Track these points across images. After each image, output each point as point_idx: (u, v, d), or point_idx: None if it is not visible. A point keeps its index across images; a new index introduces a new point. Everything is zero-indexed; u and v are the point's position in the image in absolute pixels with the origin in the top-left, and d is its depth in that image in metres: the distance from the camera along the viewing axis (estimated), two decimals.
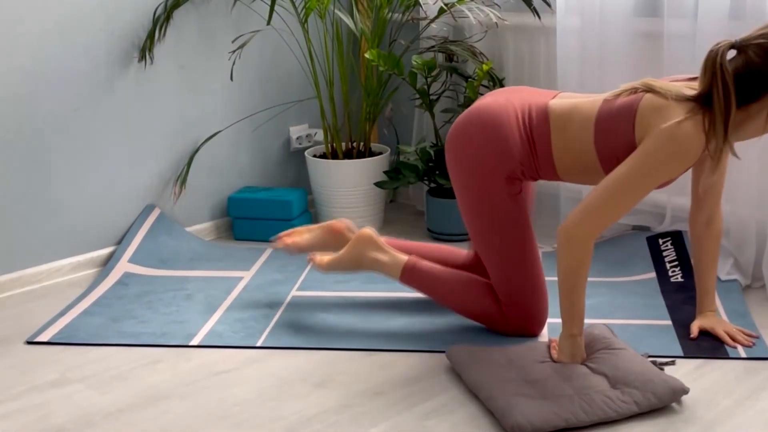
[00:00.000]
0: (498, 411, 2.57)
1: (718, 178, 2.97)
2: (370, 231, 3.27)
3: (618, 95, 2.80)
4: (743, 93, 2.62)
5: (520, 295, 3.05)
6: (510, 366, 2.80)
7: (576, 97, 2.95)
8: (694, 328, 3.07)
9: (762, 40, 2.59)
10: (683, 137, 2.60)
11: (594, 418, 2.53)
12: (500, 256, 3.04)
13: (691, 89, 2.71)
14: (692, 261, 3.13)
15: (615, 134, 2.76)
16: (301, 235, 3.47)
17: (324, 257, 3.32)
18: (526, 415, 2.50)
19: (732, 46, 2.63)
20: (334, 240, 3.42)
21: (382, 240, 3.29)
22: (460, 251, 3.37)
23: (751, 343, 2.98)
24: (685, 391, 2.60)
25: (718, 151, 2.67)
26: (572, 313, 2.75)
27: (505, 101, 2.99)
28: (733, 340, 2.99)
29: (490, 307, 3.10)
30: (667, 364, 2.80)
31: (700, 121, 2.62)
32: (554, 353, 2.83)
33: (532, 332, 3.09)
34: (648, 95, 2.73)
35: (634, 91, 2.78)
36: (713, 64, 2.61)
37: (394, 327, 3.21)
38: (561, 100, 2.94)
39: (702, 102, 2.64)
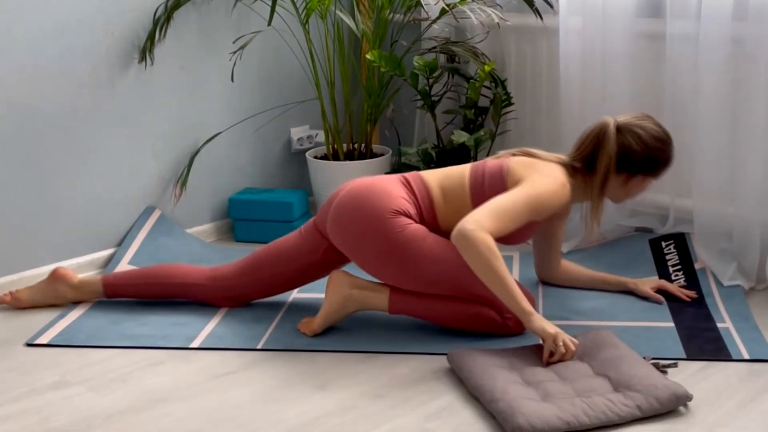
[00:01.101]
0: (500, 414, 2.56)
1: (558, 239, 3.45)
2: (342, 271, 3.20)
3: (485, 161, 3.19)
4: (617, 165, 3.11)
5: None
6: (511, 368, 2.79)
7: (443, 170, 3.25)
8: (651, 293, 3.36)
9: (640, 130, 3.09)
10: (561, 182, 3.05)
11: (596, 421, 2.52)
12: (458, 278, 3.05)
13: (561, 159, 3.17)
14: (578, 284, 3.49)
15: (490, 190, 3.09)
16: (22, 292, 3.47)
17: (311, 323, 3.19)
18: (527, 417, 2.49)
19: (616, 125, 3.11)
20: (59, 287, 3.45)
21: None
22: None
23: (692, 297, 3.35)
24: (689, 397, 2.59)
25: (594, 209, 3.15)
26: (510, 293, 2.88)
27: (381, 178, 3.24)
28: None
29: (487, 310, 3.08)
30: (670, 366, 2.79)
31: (570, 179, 3.10)
32: (545, 356, 2.84)
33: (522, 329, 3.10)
34: (516, 157, 3.15)
35: (509, 155, 3.18)
36: (603, 134, 3.10)
37: (396, 329, 3.19)
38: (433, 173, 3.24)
39: (583, 163, 3.13)
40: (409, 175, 3.23)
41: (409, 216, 3.10)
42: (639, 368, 2.69)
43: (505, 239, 3.10)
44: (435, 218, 3.17)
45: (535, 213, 2.99)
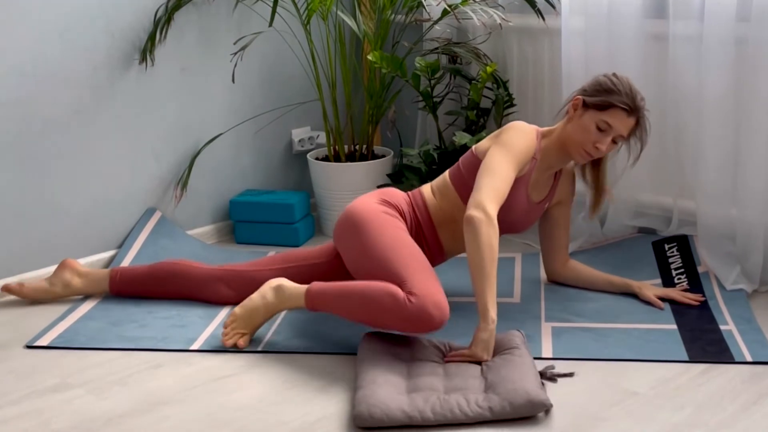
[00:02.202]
0: (355, 401, 2.62)
1: (564, 231, 3.47)
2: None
3: None
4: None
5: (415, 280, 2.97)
6: (404, 359, 2.86)
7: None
8: (653, 298, 3.33)
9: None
10: (521, 126, 3.18)
11: (440, 418, 2.55)
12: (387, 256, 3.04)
13: None
14: (583, 285, 3.49)
15: (467, 172, 3.20)
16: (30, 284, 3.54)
17: (243, 339, 3.11)
18: (369, 407, 2.55)
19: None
20: (65, 274, 3.51)
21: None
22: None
23: (700, 300, 3.33)
24: (545, 405, 2.57)
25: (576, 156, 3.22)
26: (494, 293, 2.90)
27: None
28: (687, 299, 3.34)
29: (392, 285, 2.94)
30: (563, 376, 2.79)
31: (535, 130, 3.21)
32: (458, 359, 2.88)
33: (431, 315, 2.87)
34: None
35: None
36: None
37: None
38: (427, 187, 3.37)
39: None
40: (413, 191, 3.37)
41: (398, 210, 3.22)
42: (516, 372, 2.69)
43: (509, 227, 3.22)
44: (429, 218, 3.28)
45: (515, 161, 3.10)
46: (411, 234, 3.22)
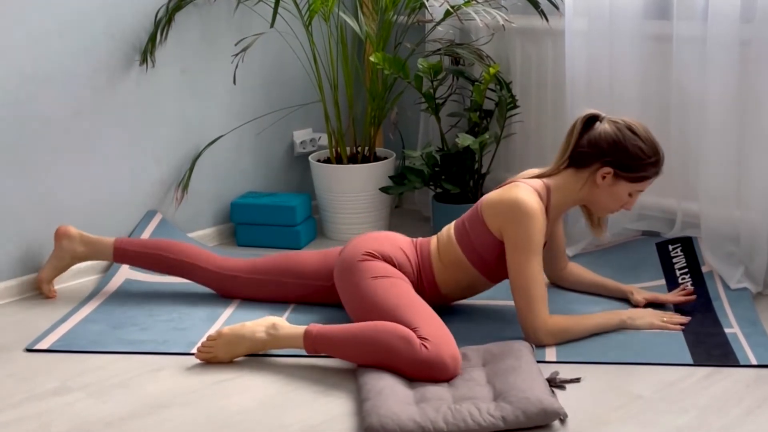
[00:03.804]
0: (363, 413, 2.60)
1: (559, 240, 3.43)
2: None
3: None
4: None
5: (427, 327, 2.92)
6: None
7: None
8: (639, 303, 3.31)
9: (621, 122, 3.08)
10: (527, 209, 3.02)
11: (453, 428, 2.52)
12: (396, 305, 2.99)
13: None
14: (580, 288, 3.49)
15: (474, 234, 3.14)
16: (43, 272, 3.61)
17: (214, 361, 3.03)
18: (380, 418, 2.52)
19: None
20: (65, 244, 3.57)
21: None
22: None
23: (692, 298, 3.32)
24: (559, 413, 2.55)
25: (586, 212, 3.25)
26: (593, 325, 3.11)
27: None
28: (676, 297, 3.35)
29: (408, 339, 2.84)
30: (571, 381, 2.77)
31: (535, 186, 3.10)
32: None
33: (445, 364, 2.80)
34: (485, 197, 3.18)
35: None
36: (584, 119, 3.12)
37: None
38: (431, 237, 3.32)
39: (569, 158, 3.13)
40: (422, 239, 3.32)
41: (392, 263, 3.16)
42: (525, 380, 2.66)
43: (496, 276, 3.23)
44: (434, 282, 3.23)
45: (539, 251, 3.04)
46: (411, 281, 3.18)
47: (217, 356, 3.00)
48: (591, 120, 3.11)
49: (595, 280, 3.48)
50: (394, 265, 3.15)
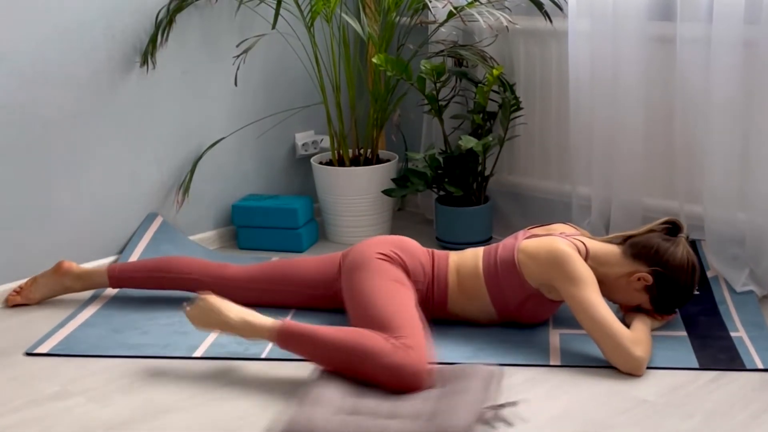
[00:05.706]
0: (287, 417, 2.58)
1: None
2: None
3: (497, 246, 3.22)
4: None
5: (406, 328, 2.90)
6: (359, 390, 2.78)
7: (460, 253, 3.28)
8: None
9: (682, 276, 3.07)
10: (568, 255, 3.02)
11: None
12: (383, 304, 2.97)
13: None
14: None
15: (503, 277, 3.13)
16: (31, 291, 3.55)
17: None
18: (292, 425, 2.52)
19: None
20: (65, 281, 3.53)
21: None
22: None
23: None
24: None
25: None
26: (648, 328, 3.05)
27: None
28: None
29: (382, 344, 2.80)
30: (506, 406, 2.67)
31: (575, 243, 3.11)
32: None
33: (420, 372, 2.77)
34: (525, 243, 3.14)
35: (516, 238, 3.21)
36: (660, 244, 3.11)
37: None
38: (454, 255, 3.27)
39: (625, 242, 3.15)
40: (439, 251, 3.28)
41: (405, 270, 3.15)
42: (450, 403, 2.60)
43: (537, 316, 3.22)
44: (445, 300, 3.21)
45: (591, 282, 3.00)
46: (420, 292, 3.16)
47: (193, 320, 2.98)
48: (675, 228, 3.14)
49: None
50: (407, 273, 3.13)
